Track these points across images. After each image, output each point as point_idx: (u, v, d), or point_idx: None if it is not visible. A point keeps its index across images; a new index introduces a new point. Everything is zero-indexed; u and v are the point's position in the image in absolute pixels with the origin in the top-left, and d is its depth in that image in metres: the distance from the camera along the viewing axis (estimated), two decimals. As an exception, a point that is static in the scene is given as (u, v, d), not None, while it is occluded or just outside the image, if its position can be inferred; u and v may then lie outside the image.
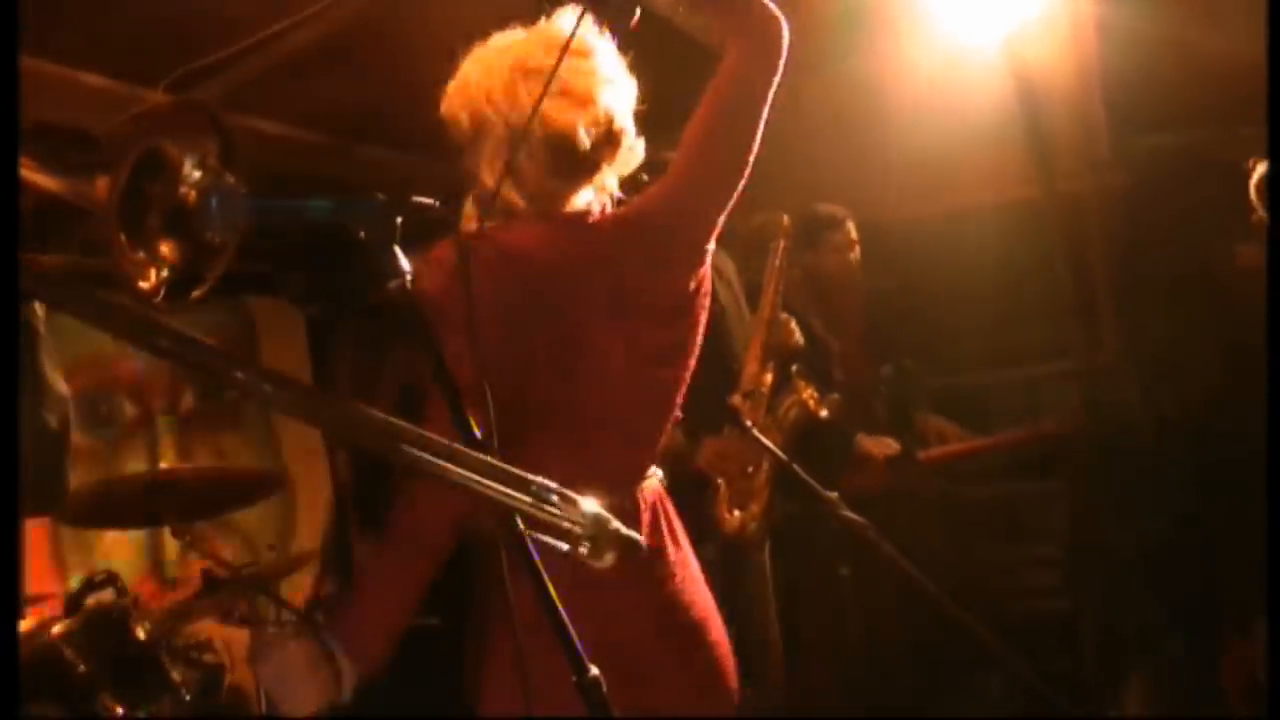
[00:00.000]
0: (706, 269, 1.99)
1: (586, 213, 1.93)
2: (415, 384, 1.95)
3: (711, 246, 1.97)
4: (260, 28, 3.03)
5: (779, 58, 1.85)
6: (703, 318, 1.99)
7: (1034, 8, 4.32)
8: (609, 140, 1.89)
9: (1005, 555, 4.64)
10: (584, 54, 1.86)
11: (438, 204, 1.62)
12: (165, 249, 1.40)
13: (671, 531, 2.00)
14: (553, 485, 1.19)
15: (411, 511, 1.82)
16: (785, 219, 3.55)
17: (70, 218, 1.45)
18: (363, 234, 1.53)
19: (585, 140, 1.85)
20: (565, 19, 1.88)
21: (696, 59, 2.01)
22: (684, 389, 2.00)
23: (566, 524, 1.18)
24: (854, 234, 4.06)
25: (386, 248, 1.51)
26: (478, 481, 1.16)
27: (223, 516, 3.98)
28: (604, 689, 1.33)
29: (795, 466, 2.71)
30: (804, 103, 4.66)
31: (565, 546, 1.20)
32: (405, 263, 1.51)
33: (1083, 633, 4.17)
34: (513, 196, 1.88)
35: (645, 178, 1.98)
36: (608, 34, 1.88)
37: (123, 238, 1.36)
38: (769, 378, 3.35)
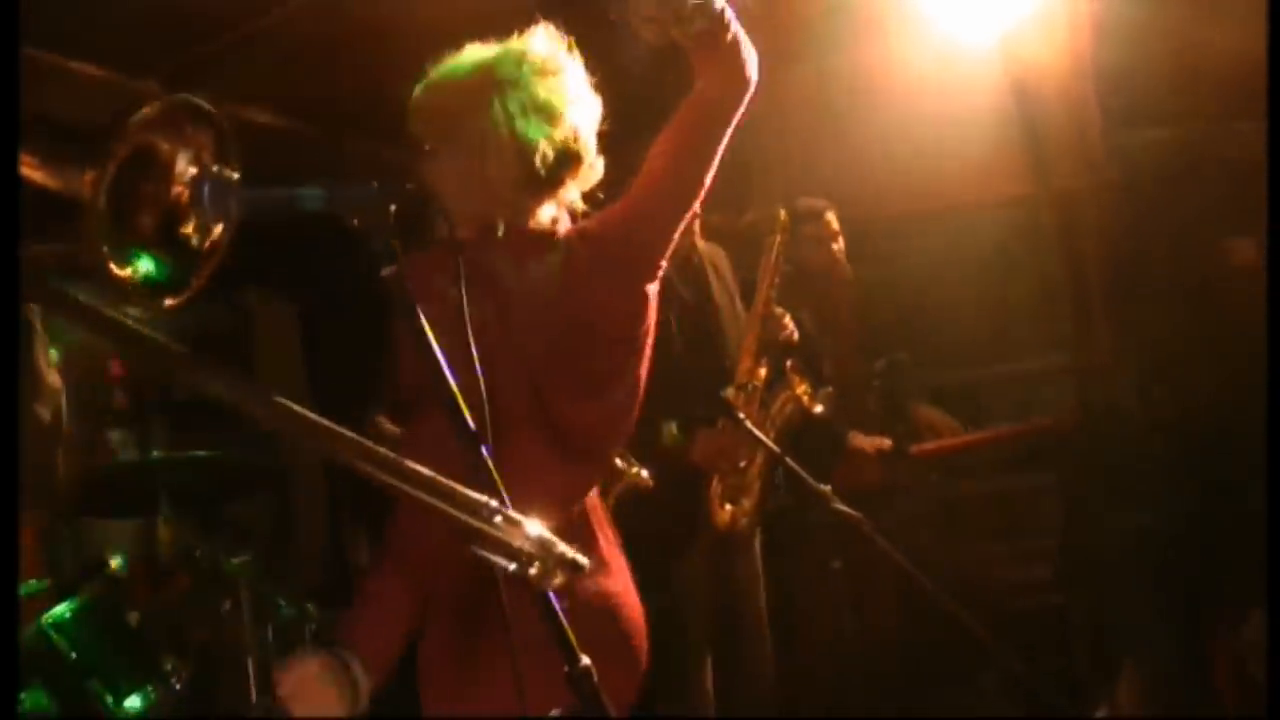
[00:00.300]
0: (656, 286, 2.03)
1: (552, 230, 1.98)
2: (401, 380, 1.95)
3: (664, 264, 2.02)
4: (252, 20, 3.02)
5: (750, 89, 1.91)
6: (648, 341, 2.03)
7: (1029, 5, 4.33)
8: (575, 157, 1.94)
9: (998, 549, 4.65)
10: (554, 72, 1.92)
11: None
12: (158, 246, 1.40)
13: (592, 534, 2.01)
14: (500, 507, 1.21)
15: (396, 529, 1.89)
16: (782, 214, 3.53)
17: (69, 208, 1.45)
18: (356, 222, 1.53)
19: (553, 156, 1.90)
20: (538, 37, 1.94)
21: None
22: (635, 410, 2.02)
23: (514, 545, 1.19)
24: (835, 225, 4.00)
25: (380, 235, 1.51)
26: (425, 499, 1.18)
27: (218, 508, 3.97)
28: (595, 679, 1.34)
29: (788, 460, 2.72)
30: (799, 99, 4.67)
31: (513, 566, 1.21)
32: (397, 251, 1.52)
33: (1074, 627, 4.18)
34: (481, 207, 1.92)
35: (602, 196, 2.01)
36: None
37: (107, 233, 1.36)
38: (763, 372, 3.35)
